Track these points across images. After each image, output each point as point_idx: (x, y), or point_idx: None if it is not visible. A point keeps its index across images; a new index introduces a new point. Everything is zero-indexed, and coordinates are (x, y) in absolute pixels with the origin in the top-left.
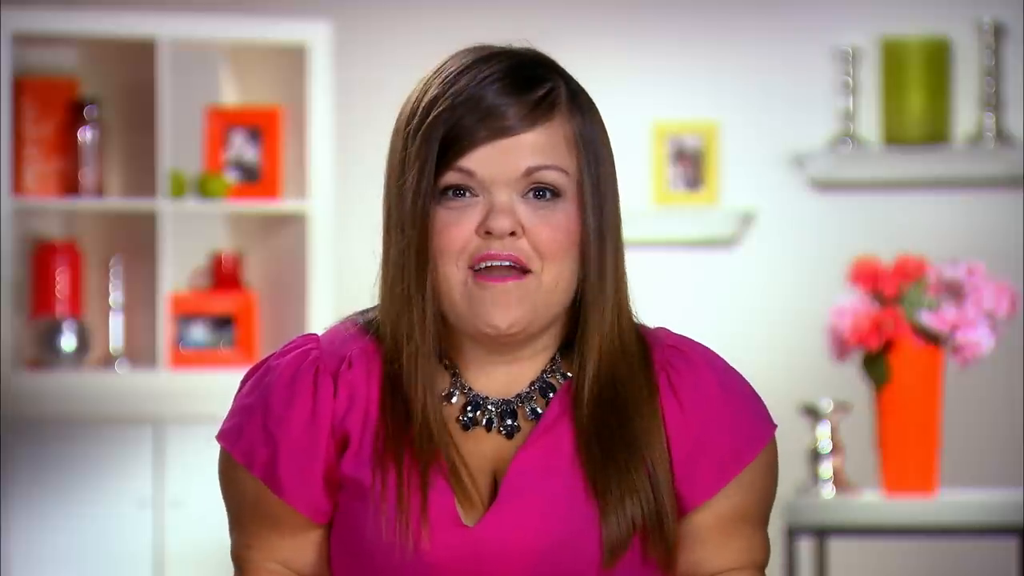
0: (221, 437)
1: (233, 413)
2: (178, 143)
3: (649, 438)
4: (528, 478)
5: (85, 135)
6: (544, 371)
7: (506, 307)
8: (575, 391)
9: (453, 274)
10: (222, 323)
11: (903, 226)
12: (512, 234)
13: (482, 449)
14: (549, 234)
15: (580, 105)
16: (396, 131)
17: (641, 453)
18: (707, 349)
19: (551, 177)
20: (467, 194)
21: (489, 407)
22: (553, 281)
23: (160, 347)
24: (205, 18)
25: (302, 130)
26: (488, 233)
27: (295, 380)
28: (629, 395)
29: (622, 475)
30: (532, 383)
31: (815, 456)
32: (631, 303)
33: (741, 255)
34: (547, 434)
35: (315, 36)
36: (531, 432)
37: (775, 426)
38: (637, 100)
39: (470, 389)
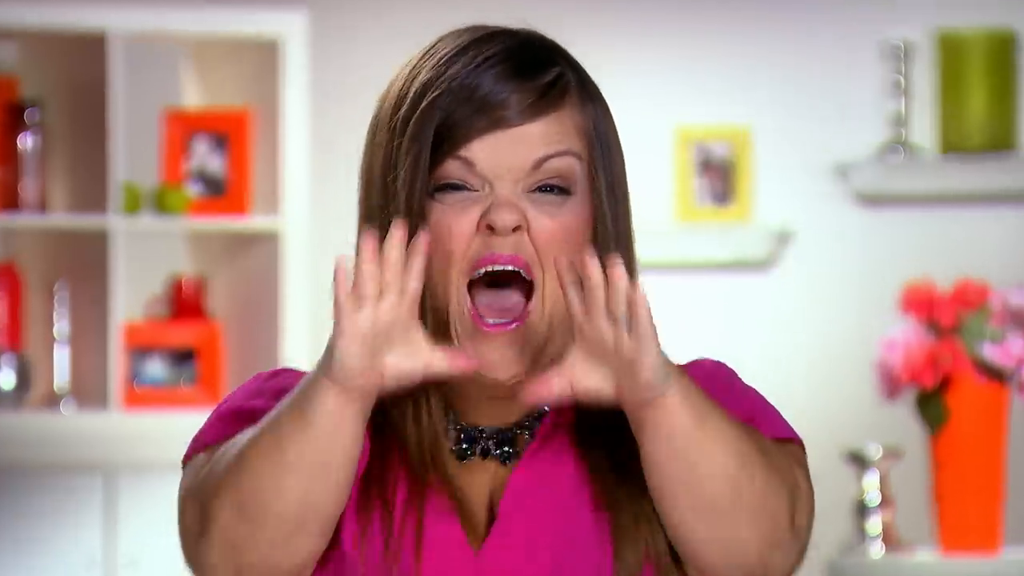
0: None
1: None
2: (132, 151)
3: None
4: (526, 497)
5: (26, 142)
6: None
7: (507, 359)
8: (577, 407)
9: (452, 281)
10: (182, 357)
11: (962, 246)
12: (516, 230)
13: (478, 477)
14: (554, 230)
15: (591, 95)
16: (378, 124)
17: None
18: (718, 362)
19: (563, 165)
20: (465, 190)
21: (484, 437)
22: (557, 289)
23: (112, 385)
24: (163, 9)
25: (274, 136)
26: (490, 228)
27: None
28: None
29: (635, 498)
30: (529, 413)
31: (862, 509)
32: None
33: (777, 279)
34: (545, 448)
35: (289, 29)
36: (526, 449)
37: (799, 437)
38: (657, 103)
39: (462, 425)
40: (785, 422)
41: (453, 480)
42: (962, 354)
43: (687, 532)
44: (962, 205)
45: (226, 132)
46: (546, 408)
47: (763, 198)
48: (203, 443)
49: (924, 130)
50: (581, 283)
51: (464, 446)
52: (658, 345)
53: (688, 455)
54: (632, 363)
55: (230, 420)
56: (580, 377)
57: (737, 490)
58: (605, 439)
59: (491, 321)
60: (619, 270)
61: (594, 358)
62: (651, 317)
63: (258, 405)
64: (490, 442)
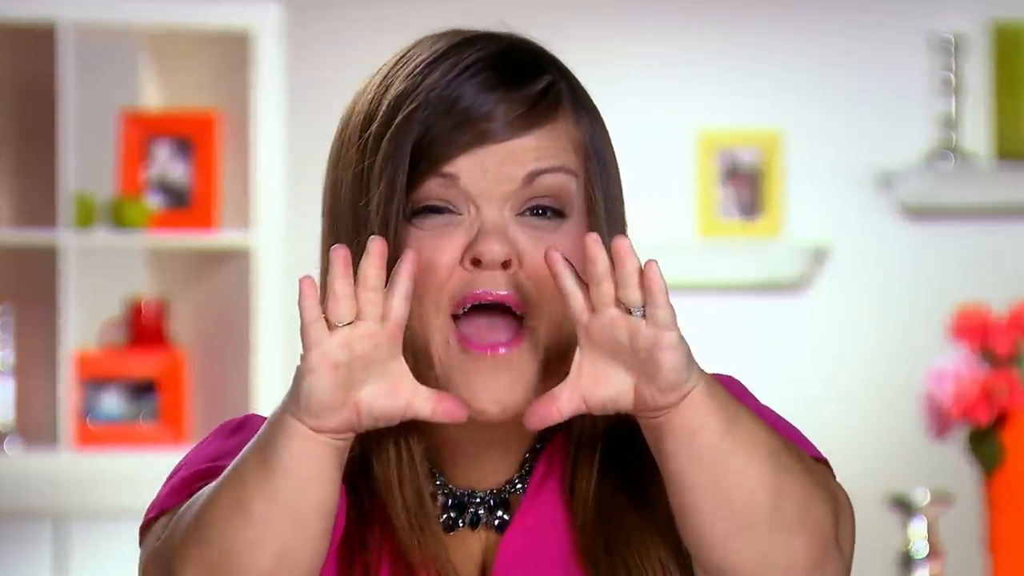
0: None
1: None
2: (85, 158)
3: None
4: (519, 561)
5: None
6: (536, 444)
7: (498, 387)
8: (571, 444)
9: (432, 319)
10: (141, 390)
11: (1020, 264)
12: (505, 265)
13: (469, 546)
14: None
15: (585, 106)
16: (344, 144)
17: (659, 527)
18: (731, 376)
19: (557, 183)
20: (447, 212)
21: (475, 504)
22: (553, 329)
23: (62, 421)
24: None
25: (245, 141)
26: (476, 262)
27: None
28: (641, 444)
29: (636, 538)
30: (523, 464)
31: (907, 562)
32: None
33: (811, 302)
34: (538, 498)
35: (261, 21)
36: (519, 507)
37: (827, 460)
38: (677, 103)
39: (450, 488)
40: (812, 443)
41: (441, 555)
42: (1020, 387)
43: (720, 553)
44: (1020, 218)
45: (190, 136)
46: (538, 446)
47: (796, 211)
48: (162, 509)
49: (977, 134)
50: (579, 278)
51: (452, 514)
52: (679, 332)
53: (717, 458)
54: (652, 356)
55: (191, 486)
56: (591, 387)
57: (775, 497)
58: (603, 470)
59: (480, 342)
60: (627, 246)
61: (605, 361)
62: (669, 298)
63: (223, 467)
64: (481, 509)
